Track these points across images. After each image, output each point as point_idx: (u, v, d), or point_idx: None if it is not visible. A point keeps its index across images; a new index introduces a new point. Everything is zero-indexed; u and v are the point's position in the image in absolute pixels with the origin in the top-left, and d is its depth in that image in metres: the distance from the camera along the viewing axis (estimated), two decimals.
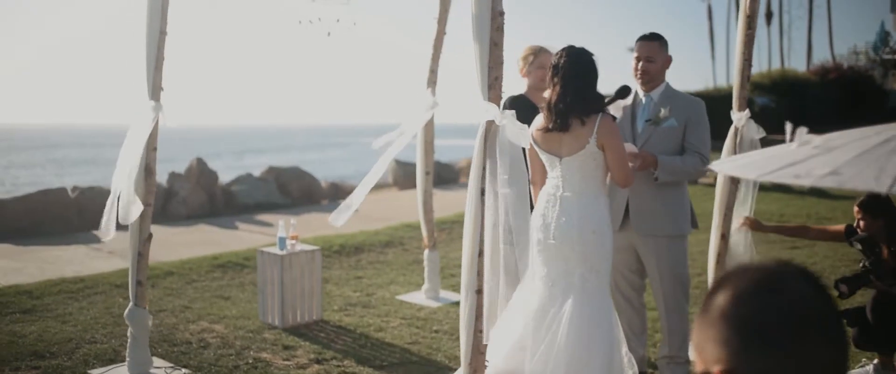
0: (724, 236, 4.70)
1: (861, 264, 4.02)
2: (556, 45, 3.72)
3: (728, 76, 44.29)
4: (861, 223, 4.18)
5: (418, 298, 6.12)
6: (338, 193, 13.12)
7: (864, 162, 1.36)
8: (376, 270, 7.24)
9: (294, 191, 12.17)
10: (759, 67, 45.37)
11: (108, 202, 4.36)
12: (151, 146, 4.40)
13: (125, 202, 4.26)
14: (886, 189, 1.24)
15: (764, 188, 13.11)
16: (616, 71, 16.29)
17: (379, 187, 15.05)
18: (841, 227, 4.43)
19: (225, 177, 12.36)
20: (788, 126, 1.59)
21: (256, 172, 12.44)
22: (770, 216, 10.42)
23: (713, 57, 48.68)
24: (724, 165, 1.62)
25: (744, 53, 4.59)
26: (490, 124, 3.11)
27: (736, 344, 1.05)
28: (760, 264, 1.12)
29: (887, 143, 1.44)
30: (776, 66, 39.59)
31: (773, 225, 4.87)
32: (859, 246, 4.01)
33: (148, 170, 4.41)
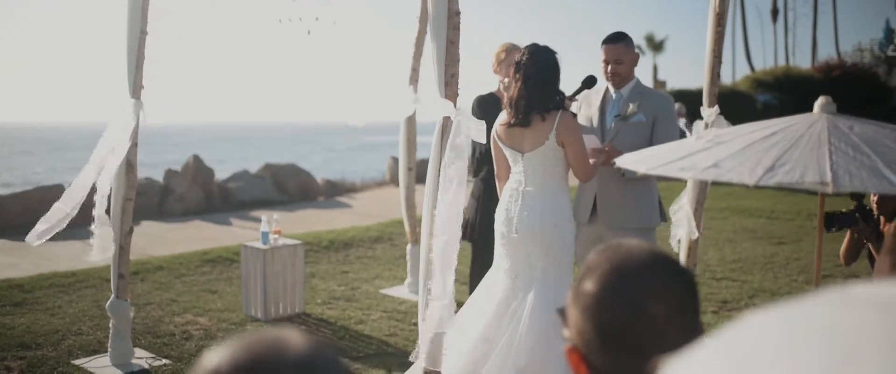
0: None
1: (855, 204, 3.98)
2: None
3: (733, 74, 44.22)
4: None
5: (401, 291, 6.23)
6: (334, 190, 13.23)
7: (745, 156, 1.45)
8: (363, 265, 7.35)
9: (290, 188, 12.29)
10: (763, 63, 45.24)
11: (57, 209, 4.47)
12: (132, 142, 4.52)
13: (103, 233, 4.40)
14: (756, 181, 1.32)
15: (758, 186, 13.15)
16: None
17: (375, 184, 15.16)
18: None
19: (222, 174, 12.49)
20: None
21: (253, 170, 12.57)
22: (761, 213, 10.49)
23: None
24: (624, 159, 1.71)
25: (713, 51, 4.68)
26: (446, 120, 3.21)
27: (590, 333, 1.13)
28: (626, 257, 1.12)
29: (771, 137, 1.53)
30: (781, 63, 39.50)
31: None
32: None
33: (129, 165, 4.53)
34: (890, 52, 33.42)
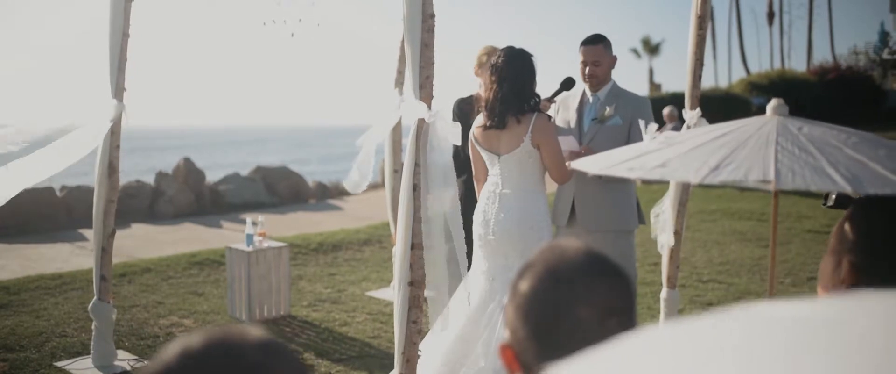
0: (678, 233, 4.82)
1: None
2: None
3: (729, 76, 44.30)
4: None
5: (387, 294, 6.23)
6: (325, 192, 13.24)
7: (693, 155, 1.47)
8: (351, 267, 7.36)
9: (282, 190, 12.29)
10: (759, 66, 45.35)
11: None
12: (115, 144, 4.53)
13: None
14: (700, 179, 1.34)
15: (748, 188, 13.18)
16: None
17: (370, 186, 15.17)
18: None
19: (213, 176, 12.49)
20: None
21: (244, 172, 12.57)
22: (751, 215, 10.51)
23: (715, 57, 48.58)
24: (580, 162, 1.73)
25: (695, 54, 4.69)
26: (421, 122, 3.23)
27: (522, 332, 1.14)
28: (560, 258, 1.12)
29: (721, 138, 1.54)
30: (777, 66, 39.61)
31: None
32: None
33: (111, 167, 4.54)
34: (885, 55, 33.55)
